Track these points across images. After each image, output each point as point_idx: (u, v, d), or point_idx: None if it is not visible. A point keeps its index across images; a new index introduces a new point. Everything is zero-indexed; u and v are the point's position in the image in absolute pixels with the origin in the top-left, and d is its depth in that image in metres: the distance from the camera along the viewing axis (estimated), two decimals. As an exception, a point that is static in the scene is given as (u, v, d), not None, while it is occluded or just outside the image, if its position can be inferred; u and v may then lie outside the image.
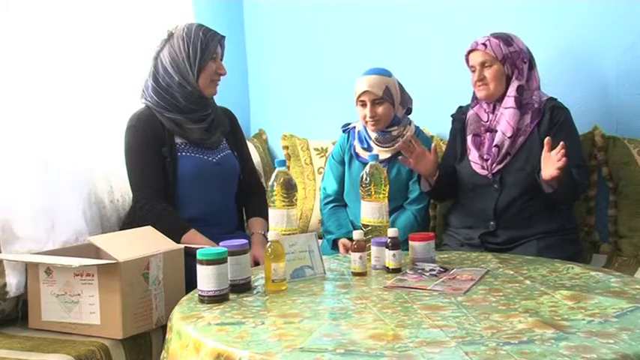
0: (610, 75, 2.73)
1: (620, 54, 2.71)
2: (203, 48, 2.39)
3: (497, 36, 2.47)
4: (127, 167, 2.40)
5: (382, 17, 3.17)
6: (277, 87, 3.48)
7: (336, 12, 3.29)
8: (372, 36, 3.19)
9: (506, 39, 2.46)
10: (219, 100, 2.58)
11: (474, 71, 2.49)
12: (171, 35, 2.42)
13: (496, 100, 2.49)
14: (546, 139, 2.24)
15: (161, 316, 1.99)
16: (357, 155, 2.73)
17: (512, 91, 2.44)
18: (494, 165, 2.45)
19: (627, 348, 1.32)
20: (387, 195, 2.12)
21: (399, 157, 2.53)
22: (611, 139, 2.68)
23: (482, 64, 2.45)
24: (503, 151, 2.43)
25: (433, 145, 2.57)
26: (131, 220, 2.40)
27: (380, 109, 2.61)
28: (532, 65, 2.49)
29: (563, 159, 2.17)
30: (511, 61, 2.44)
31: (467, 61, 2.52)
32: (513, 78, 2.45)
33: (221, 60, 2.48)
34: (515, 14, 2.84)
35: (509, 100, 2.44)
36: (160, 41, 2.44)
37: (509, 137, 2.42)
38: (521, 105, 2.43)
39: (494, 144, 2.45)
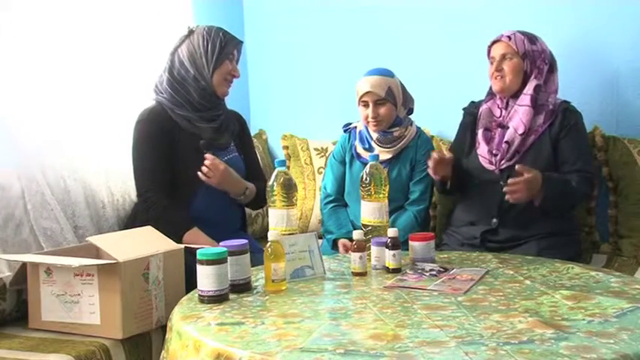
0: (610, 75, 2.73)
1: (621, 54, 2.71)
2: (222, 46, 2.44)
3: (523, 32, 2.49)
4: (134, 159, 2.41)
5: (382, 17, 3.17)
6: (277, 87, 3.48)
7: (336, 12, 3.29)
8: (372, 36, 3.19)
9: (531, 37, 2.48)
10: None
11: (492, 62, 2.50)
12: (191, 32, 2.46)
13: (510, 97, 2.49)
14: (517, 167, 2.27)
15: (161, 316, 1.99)
16: (358, 155, 2.72)
17: (529, 89, 2.44)
18: (502, 161, 2.46)
19: (627, 348, 1.32)
20: (387, 195, 2.12)
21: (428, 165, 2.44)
22: (611, 139, 2.68)
23: (503, 56, 2.46)
24: (513, 148, 2.44)
25: (448, 154, 2.49)
26: (132, 220, 2.40)
27: (382, 110, 2.61)
28: (553, 69, 2.50)
29: (511, 196, 2.26)
30: (531, 59, 2.45)
31: (488, 52, 2.53)
32: (532, 77, 2.45)
33: (237, 63, 2.51)
34: (516, 14, 2.84)
35: (525, 98, 2.44)
36: (179, 37, 2.47)
37: (520, 134, 2.42)
38: (536, 105, 2.44)
39: (504, 140, 2.45)
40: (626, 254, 2.61)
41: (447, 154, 2.49)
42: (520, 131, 2.43)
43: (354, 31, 3.24)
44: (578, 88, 2.75)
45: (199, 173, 2.36)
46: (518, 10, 2.86)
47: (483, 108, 2.57)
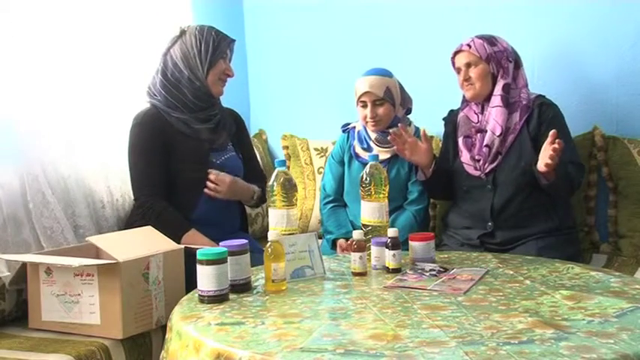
0: (610, 75, 2.73)
1: (620, 54, 2.71)
2: (215, 46, 2.42)
3: (480, 37, 2.49)
4: (130, 164, 2.40)
5: (382, 17, 3.17)
6: (277, 87, 3.49)
7: (335, 12, 3.29)
8: (372, 36, 3.19)
9: (490, 39, 2.48)
10: (220, 99, 2.58)
11: (459, 73, 2.51)
12: (183, 32, 2.44)
13: (484, 100, 2.50)
14: (552, 131, 2.21)
15: (161, 316, 1.99)
16: (357, 155, 2.73)
17: (498, 89, 2.45)
18: (486, 165, 2.46)
19: (627, 348, 1.32)
20: (387, 195, 2.12)
21: (394, 148, 2.50)
22: (611, 139, 2.67)
23: (468, 65, 2.47)
24: (494, 150, 2.44)
25: (423, 130, 2.51)
26: (132, 220, 2.40)
27: (380, 110, 2.62)
28: (518, 64, 2.50)
29: (552, 154, 2.17)
30: (496, 60, 2.45)
31: (453, 64, 2.54)
32: (499, 77, 2.46)
33: (229, 62, 2.49)
34: (515, 14, 2.84)
35: (496, 99, 2.45)
36: (171, 38, 2.45)
37: (498, 136, 2.43)
38: (508, 103, 2.44)
39: (484, 144, 2.45)
40: (626, 254, 2.61)
41: (411, 136, 2.48)
42: (497, 132, 2.42)
43: (354, 31, 3.24)
44: (579, 89, 2.75)
45: (206, 190, 2.38)
46: (517, 10, 2.86)
47: (460, 116, 2.57)
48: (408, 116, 2.75)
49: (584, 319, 1.50)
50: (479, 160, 2.47)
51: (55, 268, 1.95)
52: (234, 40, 2.51)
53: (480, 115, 2.51)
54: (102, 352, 1.87)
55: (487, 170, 2.46)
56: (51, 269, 1.96)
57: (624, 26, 2.69)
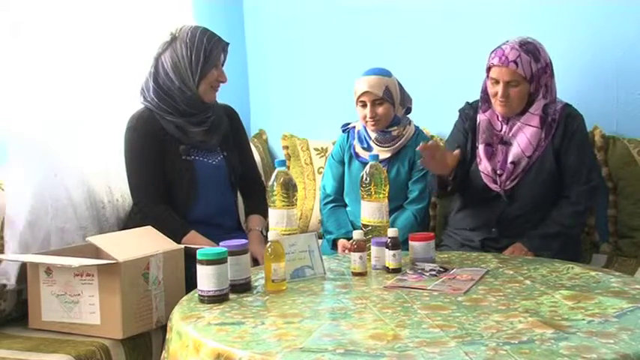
0: (610, 75, 2.73)
1: (621, 54, 2.71)
2: (206, 55, 2.37)
3: (526, 50, 2.32)
4: (127, 168, 2.39)
5: (382, 17, 3.17)
6: (277, 87, 3.48)
7: (335, 12, 3.28)
8: (372, 36, 3.19)
9: (535, 53, 2.33)
10: (220, 99, 2.58)
11: (494, 83, 2.35)
12: (174, 38, 2.39)
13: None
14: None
15: (161, 316, 1.99)
16: (357, 155, 2.73)
17: (537, 109, 2.35)
18: (507, 182, 2.39)
19: (627, 348, 1.32)
20: (387, 195, 2.12)
21: (420, 161, 2.37)
22: (611, 139, 2.68)
23: (508, 83, 2.31)
24: (520, 169, 2.37)
25: (436, 138, 2.44)
26: (130, 224, 2.40)
27: (380, 110, 2.62)
28: (552, 75, 2.41)
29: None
30: (537, 79, 2.33)
31: (488, 69, 2.37)
32: (540, 96, 2.35)
33: (222, 66, 2.46)
34: (516, 15, 2.84)
35: (534, 119, 2.36)
36: (162, 43, 2.41)
37: (528, 156, 2.36)
38: (545, 124, 2.36)
39: (510, 160, 2.37)
40: (626, 254, 2.61)
41: (442, 147, 2.38)
42: (528, 153, 2.35)
43: (353, 31, 3.24)
44: (579, 88, 2.74)
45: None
46: (517, 10, 2.85)
47: (483, 119, 2.45)
48: (408, 115, 2.74)
49: (584, 319, 1.50)
50: (500, 175, 2.39)
51: (55, 268, 1.95)
52: (227, 44, 2.45)
53: (505, 125, 2.40)
54: (102, 352, 1.87)
55: (507, 187, 2.39)
56: (51, 269, 1.96)
57: (624, 26, 2.69)
